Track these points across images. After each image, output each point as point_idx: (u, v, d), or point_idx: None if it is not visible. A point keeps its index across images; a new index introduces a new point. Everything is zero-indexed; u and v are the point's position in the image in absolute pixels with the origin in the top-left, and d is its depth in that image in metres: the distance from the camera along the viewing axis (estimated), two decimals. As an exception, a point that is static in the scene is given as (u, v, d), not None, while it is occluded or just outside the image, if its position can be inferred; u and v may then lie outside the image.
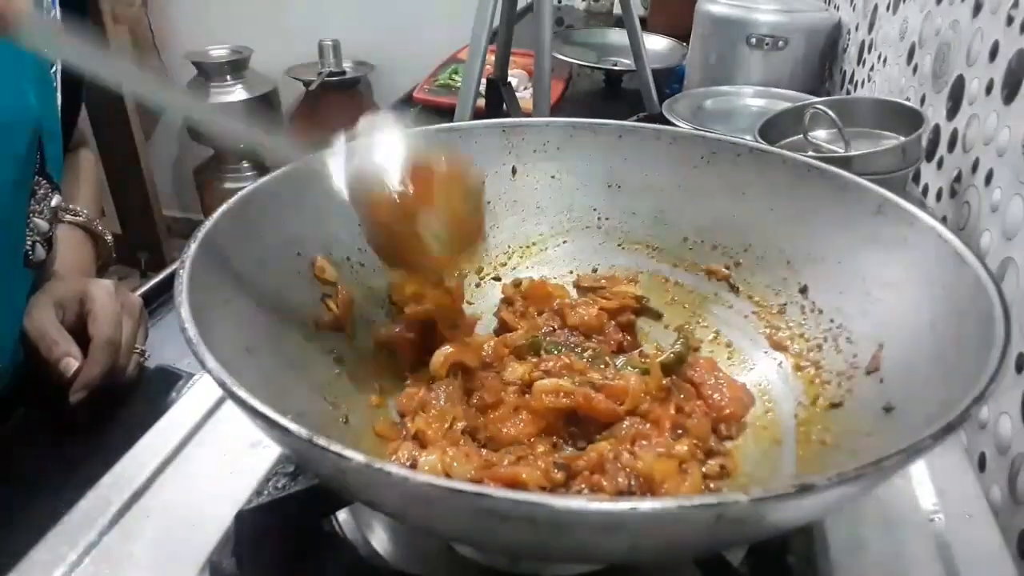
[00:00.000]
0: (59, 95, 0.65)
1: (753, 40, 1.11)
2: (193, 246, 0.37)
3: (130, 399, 0.55)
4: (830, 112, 0.74)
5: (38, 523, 0.41)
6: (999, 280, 0.36)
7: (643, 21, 1.25)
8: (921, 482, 0.45)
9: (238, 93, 2.22)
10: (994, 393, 0.29)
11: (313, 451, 0.26)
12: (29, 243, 0.59)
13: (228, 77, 2.22)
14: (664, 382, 0.44)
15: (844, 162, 0.67)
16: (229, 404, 0.47)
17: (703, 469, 0.40)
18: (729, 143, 0.52)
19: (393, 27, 2.21)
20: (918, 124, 0.70)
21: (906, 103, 0.78)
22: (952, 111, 0.73)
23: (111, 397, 0.54)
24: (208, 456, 0.46)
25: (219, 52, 2.23)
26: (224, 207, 0.41)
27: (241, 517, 0.39)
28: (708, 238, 0.53)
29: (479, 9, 0.90)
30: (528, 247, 0.56)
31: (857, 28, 1.13)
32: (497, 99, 1.05)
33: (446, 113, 1.14)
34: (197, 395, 0.51)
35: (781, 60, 1.11)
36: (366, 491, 0.29)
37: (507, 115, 0.97)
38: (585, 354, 0.47)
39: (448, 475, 0.37)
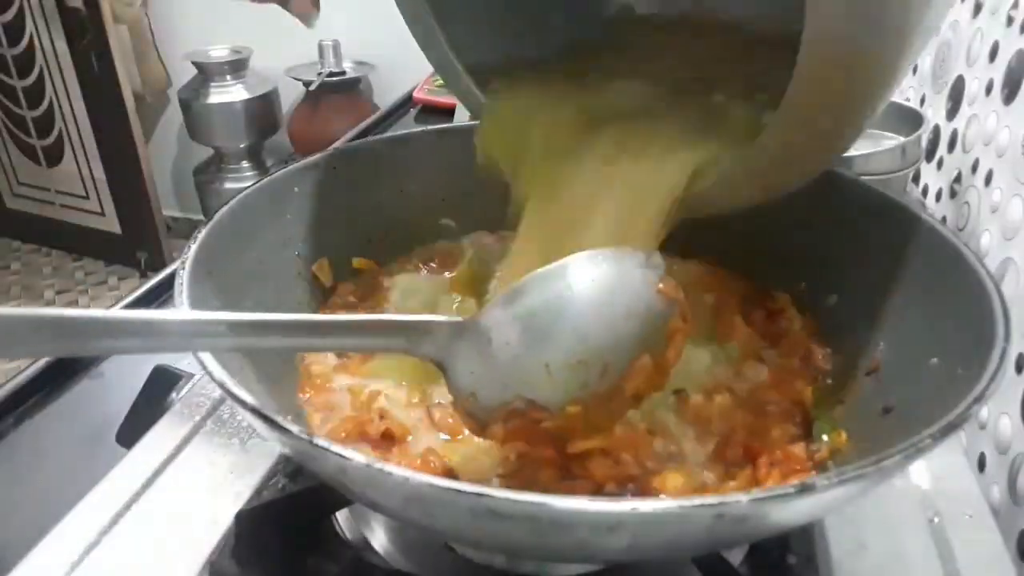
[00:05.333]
0: None
1: (753, 40, 1.11)
2: (193, 246, 0.37)
3: (130, 399, 0.55)
4: (830, 112, 0.73)
5: (38, 523, 0.41)
6: (999, 280, 0.36)
7: (643, 21, 1.25)
8: (921, 482, 0.45)
9: (238, 93, 2.22)
10: (994, 393, 0.29)
11: (313, 451, 0.26)
12: None
13: (228, 77, 2.22)
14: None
15: (844, 162, 0.67)
16: (229, 404, 0.47)
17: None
18: (729, 143, 0.52)
19: (393, 27, 2.19)
20: (918, 124, 0.70)
21: (906, 103, 0.78)
22: (952, 111, 0.73)
23: (111, 397, 0.54)
24: (208, 456, 0.46)
25: (219, 52, 2.23)
26: (224, 208, 0.41)
27: (241, 517, 0.39)
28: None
29: (479, 9, 0.90)
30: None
31: (857, 28, 1.13)
32: (497, 99, 1.04)
33: (446, 113, 1.15)
34: (197, 395, 0.51)
35: (781, 60, 1.11)
36: (366, 491, 0.29)
37: (507, 115, 0.97)
38: None
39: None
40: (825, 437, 0.38)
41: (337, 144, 0.52)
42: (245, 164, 2.36)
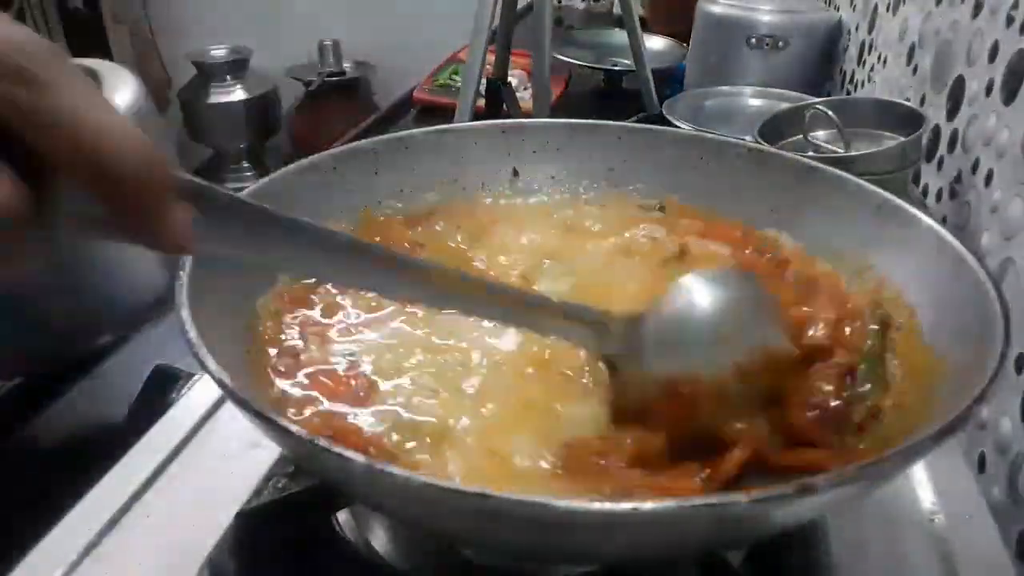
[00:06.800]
0: None
1: (753, 40, 1.11)
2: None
3: (130, 399, 0.55)
4: (830, 112, 0.74)
5: (38, 523, 0.41)
6: (999, 280, 0.36)
7: (643, 21, 1.25)
8: (921, 482, 0.45)
9: (238, 93, 2.22)
10: (994, 393, 0.29)
11: (314, 452, 0.26)
12: None
13: (228, 77, 2.22)
14: None
15: (844, 162, 0.67)
16: (229, 404, 0.47)
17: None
18: (729, 143, 0.52)
19: (393, 27, 2.21)
20: (918, 124, 0.70)
21: (906, 103, 0.78)
22: (952, 111, 0.73)
23: (111, 397, 0.54)
24: (208, 456, 0.46)
25: (219, 52, 2.23)
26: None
27: (241, 517, 0.39)
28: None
29: (479, 9, 0.90)
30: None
31: (857, 28, 1.13)
32: (497, 99, 1.05)
33: (446, 113, 1.14)
34: (197, 395, 0.51)
35: (781, 60, 1.11)
36: (367, 492, 0.29)
37: (507, 115, 0.97)
38: None
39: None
40: (869, 386, 0.38)
41: (337, 144, 0.52)
42: (245, 164, 2.36)
